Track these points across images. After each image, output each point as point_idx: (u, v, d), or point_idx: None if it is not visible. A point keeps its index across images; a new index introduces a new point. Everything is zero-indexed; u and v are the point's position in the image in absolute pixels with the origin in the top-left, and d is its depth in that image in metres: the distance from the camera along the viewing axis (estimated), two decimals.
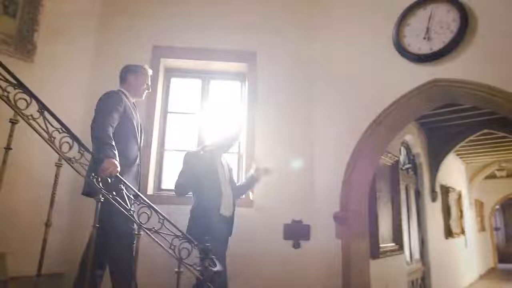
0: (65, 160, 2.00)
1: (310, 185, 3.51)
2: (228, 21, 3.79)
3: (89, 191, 2.23)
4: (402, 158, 5.79)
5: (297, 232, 3.44)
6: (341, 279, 3.22)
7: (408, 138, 6.00)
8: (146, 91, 2.79)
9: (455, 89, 2.99)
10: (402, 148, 5.89)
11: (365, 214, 3.65)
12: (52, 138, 1.98)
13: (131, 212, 1.99)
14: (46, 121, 1.96)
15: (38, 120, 1.94)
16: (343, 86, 3.53)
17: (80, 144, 2.09)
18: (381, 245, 4.29)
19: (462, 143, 6.79)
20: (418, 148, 6.39)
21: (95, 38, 3.58)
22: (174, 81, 3.89)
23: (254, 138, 3.60)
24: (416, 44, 3.01)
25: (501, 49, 2.70)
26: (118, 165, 2.17)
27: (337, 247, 3.29)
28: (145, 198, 2.06)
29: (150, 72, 2.80)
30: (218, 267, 1.87)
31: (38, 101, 1.96)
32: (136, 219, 1.98)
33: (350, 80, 3.48)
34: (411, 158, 6.34)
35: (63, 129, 2.02)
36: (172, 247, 1.98)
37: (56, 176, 1.97)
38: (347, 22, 3.61)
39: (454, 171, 8.70)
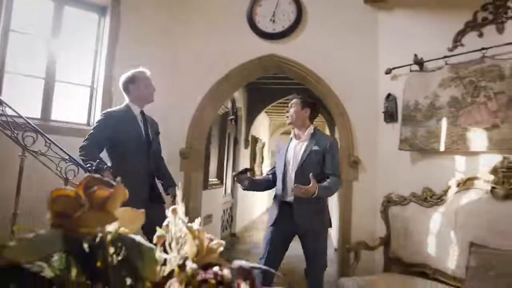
0: None
1: (163, 126, 3.94)
2: None
3: None
4: (229, 110, 6.81)
5: None
6: None
7: (235, 94, 7.04)
8: (152, 92, 2.73)
9: (283, 64, 3.98)
10: (229, 102, 6.89)
11: (203, 153, 4.42)
12: None
13: None
14: None
15: None
16: (202, 45, 4.04)
17: None
18: (209, 179, 5.22)
19: (273, 104, 8.41)
20: (241, 104, 7.57)
21: None
22: None
23: (111, 75, 3.72)
24: (264, 23, 3.80)
25: (317, 41, 3.79)
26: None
27: (180, 177, 3.94)
28: (31, 123, 2.14)
29: (147, 73, 2.71)
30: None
31: None
32: (21, 143, 2.08)
33: (209, 41, 4.02)
34: (235, 111, 7.48)
35: None
36: (59, 168, 2.18)
37: None
38: None
39: (262, 126, 10.59)
